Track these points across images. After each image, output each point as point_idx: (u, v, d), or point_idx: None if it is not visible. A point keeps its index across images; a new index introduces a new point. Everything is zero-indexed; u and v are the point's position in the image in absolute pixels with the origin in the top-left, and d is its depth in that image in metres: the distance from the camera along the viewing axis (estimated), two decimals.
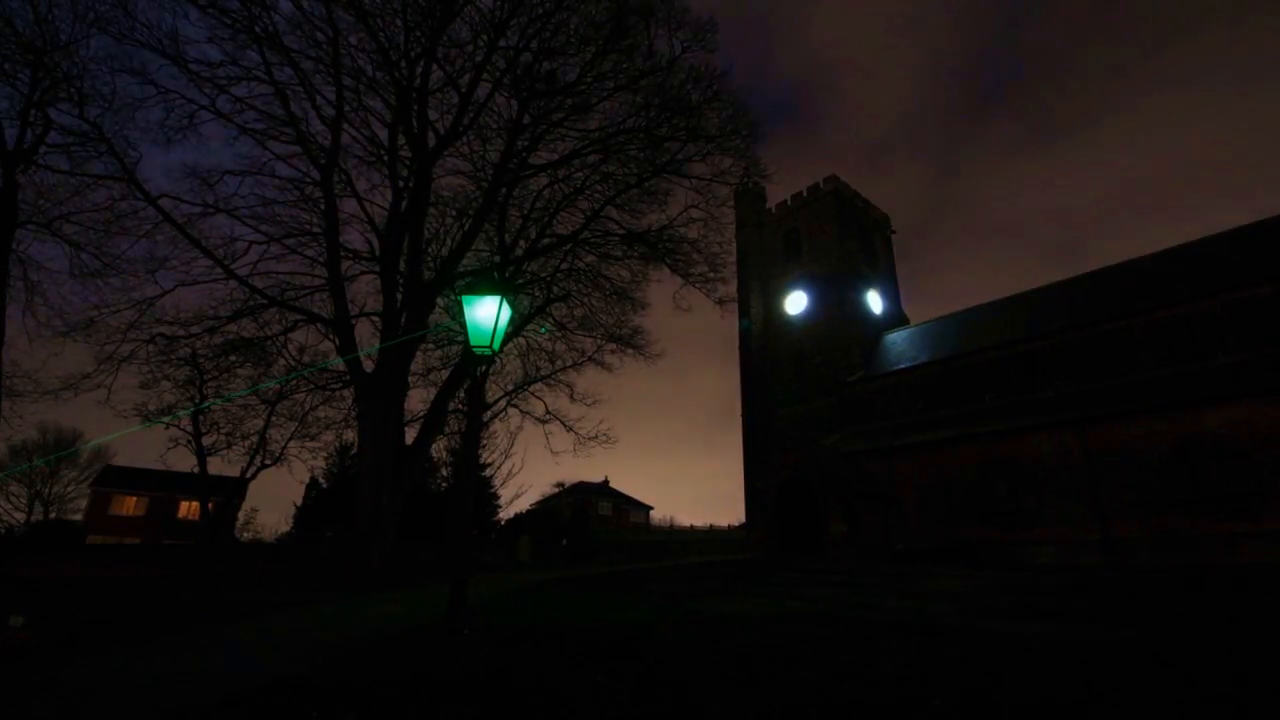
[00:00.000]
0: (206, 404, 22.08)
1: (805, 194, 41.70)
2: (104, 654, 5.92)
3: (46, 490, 50.88)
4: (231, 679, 4.84)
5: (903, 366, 32.23)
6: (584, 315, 22.79)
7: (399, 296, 18.29)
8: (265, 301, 17.82)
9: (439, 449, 32.90)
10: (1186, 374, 22.42)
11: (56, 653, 5.93)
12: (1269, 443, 18.46)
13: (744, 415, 39.82)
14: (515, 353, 24.53)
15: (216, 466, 30.44)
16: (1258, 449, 18.62)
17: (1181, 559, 18.67)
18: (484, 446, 35.61)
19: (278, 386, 23.24)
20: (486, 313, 6.67)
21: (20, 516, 47.62)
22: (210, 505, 33.42)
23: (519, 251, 20.73)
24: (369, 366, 18.14)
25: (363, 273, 20.24)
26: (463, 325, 6.90)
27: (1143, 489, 20.27)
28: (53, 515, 47.94)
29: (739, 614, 8.67)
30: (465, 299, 6.79)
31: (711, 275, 21.39)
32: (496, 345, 6.90)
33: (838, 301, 36.77)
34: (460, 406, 21.54)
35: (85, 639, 6.74)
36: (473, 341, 6.75)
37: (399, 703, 4.05)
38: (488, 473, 37.04)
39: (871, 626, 7.37)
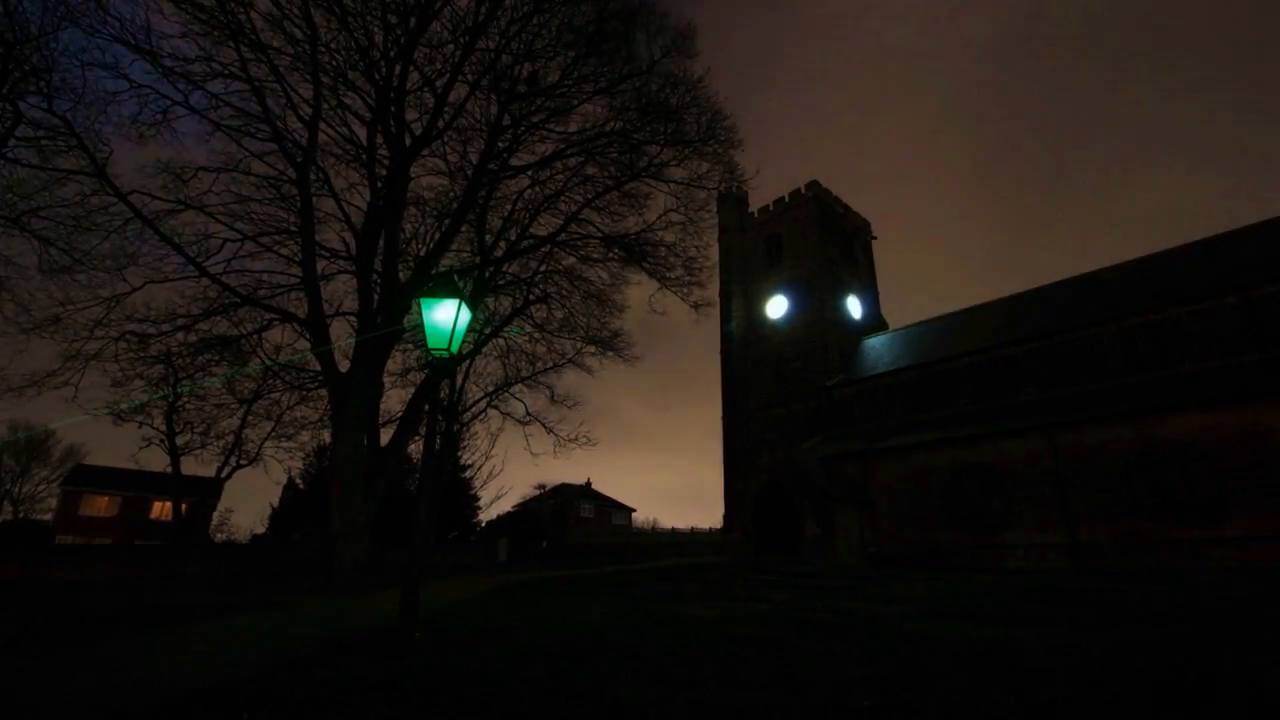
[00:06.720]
0: (179, 390, 21.71)
1: (787, 199, 42.08)
2: (44, 656, 5.85)
3: (16, 490, 50.04)
4: (171, 682, 4.82)
5: (881, 371, 32.60)
6: (564, 317, 22.82)
7: (375, 296, 18.18)
8: (238, 300, 17.64)
9: (418, 450, 32.72)
10: (1153, 381, 22.92)
11: None
12: (1231, 450, 18.91)
13: (724, 418, 40.06)
14: (495, 354, 24.56)
15: (191, 467, 30.08)
16: (1220, 456, 19.06)
17: (1145, 563, 19.06)
18: (464, 448, 35.50)
19: (254, 384, 23.03)
20: (445, 315, 6.71)
21: None
22: (184, 506, 32.97)
23: (499, 253, 20.71)
24: (345, 367, 18.00)
25: (339, 272, 20.15)
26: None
27: (1109, 494, 20.67)
28: (22, 515, 47.11)
29: (699, 616, 8.76)
30: (424, 302, 6.79)
31: (688, 279, 21.44)
32: (455, 348, 6.94)
33: (818, 306, 37.15)
34: (442, 402, 21.47)
35: (28, 641, 6.66)
36: (431, 344, 6.77)
37: (332, 705, 4.07)
38: (468, 474, 36.88)
39: (825, 629, 7.49)
